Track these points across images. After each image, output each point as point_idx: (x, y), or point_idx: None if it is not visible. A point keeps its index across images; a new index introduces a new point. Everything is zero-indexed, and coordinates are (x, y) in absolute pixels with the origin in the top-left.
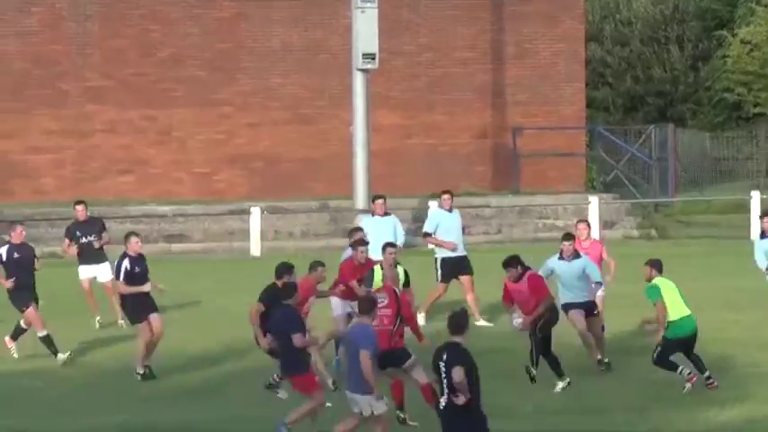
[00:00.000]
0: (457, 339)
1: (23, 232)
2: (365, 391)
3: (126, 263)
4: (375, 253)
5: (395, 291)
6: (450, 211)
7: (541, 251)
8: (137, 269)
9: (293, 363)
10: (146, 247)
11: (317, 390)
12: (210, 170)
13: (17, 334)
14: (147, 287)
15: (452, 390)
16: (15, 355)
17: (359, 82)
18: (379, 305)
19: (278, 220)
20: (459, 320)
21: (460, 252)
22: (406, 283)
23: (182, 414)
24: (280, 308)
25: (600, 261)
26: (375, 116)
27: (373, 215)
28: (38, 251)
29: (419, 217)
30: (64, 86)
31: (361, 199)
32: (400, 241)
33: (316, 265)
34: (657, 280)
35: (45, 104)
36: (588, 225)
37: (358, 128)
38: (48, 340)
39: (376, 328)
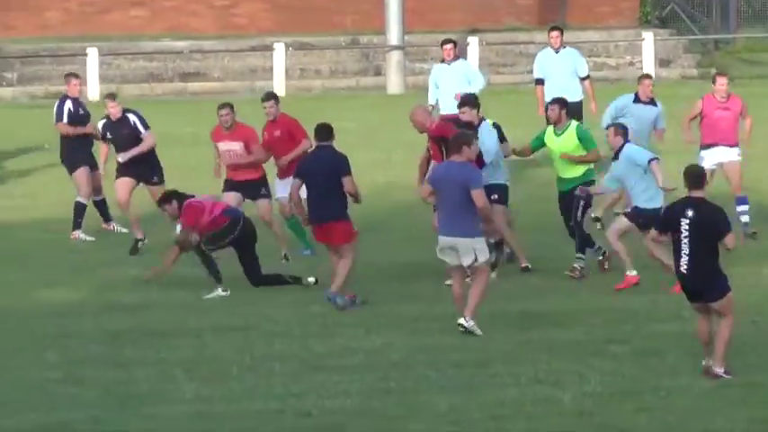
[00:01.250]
0: (700, 194)
1: (78, 85)
2: (470, 233)
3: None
4: (448, 107)
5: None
6: (557, 50)
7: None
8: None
9: (341, 207)
10: (160, 87)
11: (355, 238)
12: (230, 2)
13: (104, 213)
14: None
15: (702, 251)
16: (143, 240)
17: None
18: None
19: (304, 56)
20: (699, 173)
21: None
22: (502, 138)
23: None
24: (320, 150)
25: (737, 120)
26: None
27: (443, 62)
28: (41, 91)
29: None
30: None
31: (394, 34)
32: (477, 87)
33: (267, 97)
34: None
35: None
36: (728, 79)
37: None
38: (80, 210)
39: None
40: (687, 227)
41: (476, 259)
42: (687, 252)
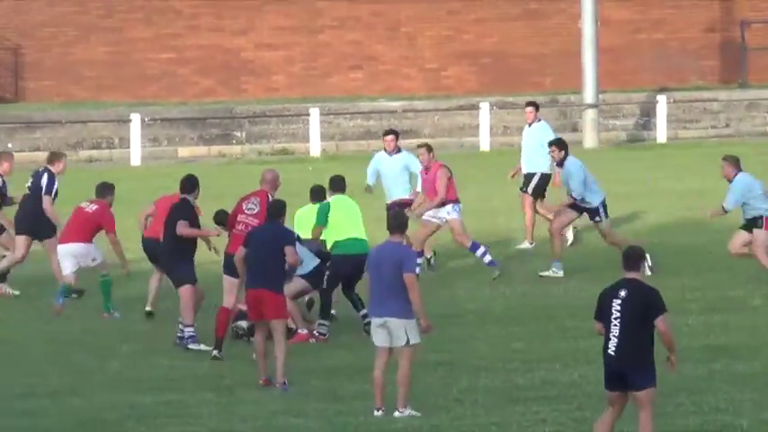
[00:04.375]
0: (633, 275)
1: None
2: (406, 315)
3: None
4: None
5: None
6: (530, 125)
7: None
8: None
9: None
10: (376, 144)
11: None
12: (439, 65)
13: None
14: None
15: (630, 336)
16: None
17: None
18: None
19: (507, 114)
20: (634, 254)
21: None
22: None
23: None
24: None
25: None
26: (604, 10)
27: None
28: (269, 147)
29: (646, 111)
30: None
31: (589, 93)
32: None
33: (108, 189)
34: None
35: (275, 1)
36: None
37: (586, 23)
38: None
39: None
40: (619, 309)
41: (407, 342)
42: (616, 337)
